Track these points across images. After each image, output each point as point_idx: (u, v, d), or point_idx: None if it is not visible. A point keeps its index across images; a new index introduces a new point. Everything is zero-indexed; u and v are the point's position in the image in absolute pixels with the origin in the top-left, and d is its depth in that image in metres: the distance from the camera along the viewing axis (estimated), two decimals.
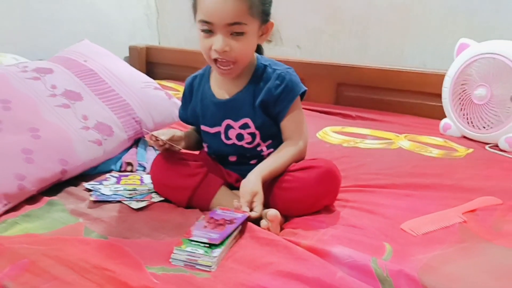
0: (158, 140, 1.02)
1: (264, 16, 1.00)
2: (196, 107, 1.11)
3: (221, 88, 1.08)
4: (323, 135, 1.50)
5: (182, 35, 2.33)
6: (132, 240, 0.91)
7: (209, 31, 0.97)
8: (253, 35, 0.99)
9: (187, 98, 1.14)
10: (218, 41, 0.96)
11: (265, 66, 1.06)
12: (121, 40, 2.22)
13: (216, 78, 1.09)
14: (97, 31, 2.02)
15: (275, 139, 1.07)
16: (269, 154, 1.06)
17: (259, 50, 1.10)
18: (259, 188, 0.96)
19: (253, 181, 0.97)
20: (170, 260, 0.84)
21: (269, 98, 1.03)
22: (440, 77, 1.54)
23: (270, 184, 1.02)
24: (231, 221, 0.90)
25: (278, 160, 1.02)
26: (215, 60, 0.99)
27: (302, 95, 1.07)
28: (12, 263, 0.84)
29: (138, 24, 2.33)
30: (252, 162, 1.06)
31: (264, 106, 1.04)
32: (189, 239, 0.85)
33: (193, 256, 0.83)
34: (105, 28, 2.11)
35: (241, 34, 0.96)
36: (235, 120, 1.06)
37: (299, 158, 1.05)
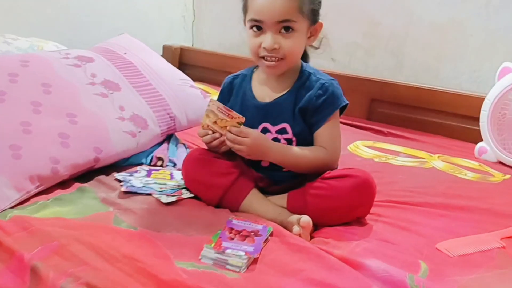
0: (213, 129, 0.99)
1: (313, 16, 1.01)
2: (235, 107, 1.09)
3: (262, 91, 1.07)
4: (354, 148, 1.48)
5: (216, 39, 2.32)
6: (162, 233, 0.90)
7: (258, 29, 0.98)
8: (302, 34, 1.00)
9: (225, 96, 1.13)
10: (267, 39, 0.97)
11: (310, 73, 1.05)
12: (156, 39, 2.23)
13: (258, 80, 1.08)
14: (134, 28, 2.04)
15: None
16: None
17: (305, 57, 1.09)
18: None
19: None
20: (200, 257, 0.83)
21: (308, 106, 1.02)
22: (475, 100, 1.50)
23: (302, 191, 0.99)
24: (255, 233, 0.89)
25: (302, 153, 1.00)
26: (263, 57, 1.00)
27: (343, 108, 1.05)
28: (42, 244, 0.84)
29: (174, 25, 2.34)
30: (284, 169, 1.04)
31: (303, 113, 1.03)
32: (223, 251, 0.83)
33: (224, 256, 0.82)
34: (142, 26, 2.13)
35: (290, 31, 0.97)
36: (273, 124, 1.04)
37: (323, 167, 1.01)
